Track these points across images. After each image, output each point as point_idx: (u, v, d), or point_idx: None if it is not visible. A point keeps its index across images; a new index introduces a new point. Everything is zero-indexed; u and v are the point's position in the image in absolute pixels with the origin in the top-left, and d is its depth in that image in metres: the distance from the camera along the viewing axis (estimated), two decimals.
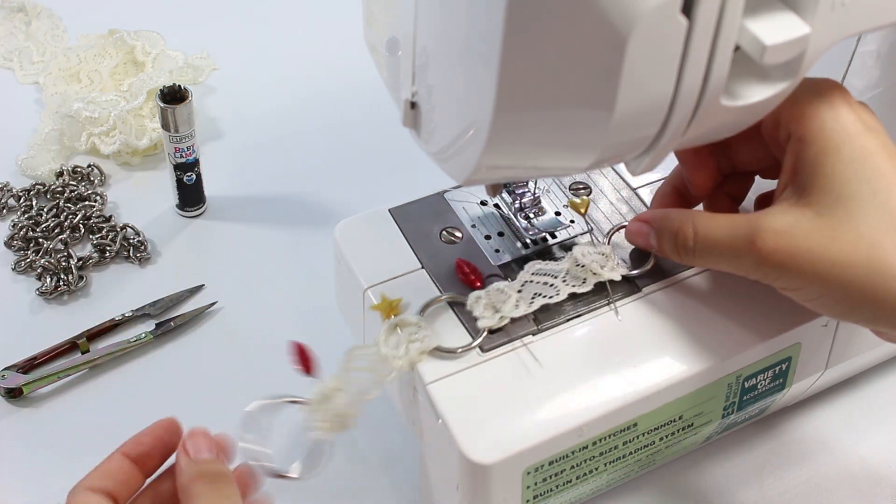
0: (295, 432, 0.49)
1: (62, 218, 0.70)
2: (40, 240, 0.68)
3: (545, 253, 0.54)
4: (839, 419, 0.60)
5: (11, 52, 0.83)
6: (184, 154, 0.67)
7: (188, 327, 0.64)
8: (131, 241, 0.69)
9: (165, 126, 0.66)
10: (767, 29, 0.38)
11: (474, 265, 0.52)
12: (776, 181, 0.48)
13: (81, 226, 0.69)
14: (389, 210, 0.56)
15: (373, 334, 0.50)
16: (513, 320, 0.50)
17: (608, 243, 0.53)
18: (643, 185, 0.57)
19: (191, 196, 0.70)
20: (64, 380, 0.61)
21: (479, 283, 0.51)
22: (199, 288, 0.66)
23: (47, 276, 0.66)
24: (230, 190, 0.73)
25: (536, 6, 0.34)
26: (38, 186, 0.72)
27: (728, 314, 0.51)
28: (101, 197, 0.71)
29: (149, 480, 0.46)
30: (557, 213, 0.55)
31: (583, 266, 0.51)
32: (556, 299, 0.50)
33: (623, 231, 0.53)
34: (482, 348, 0.49)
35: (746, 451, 0.58)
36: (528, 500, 0.48)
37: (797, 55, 0.40)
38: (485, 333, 0.49)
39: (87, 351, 0.62)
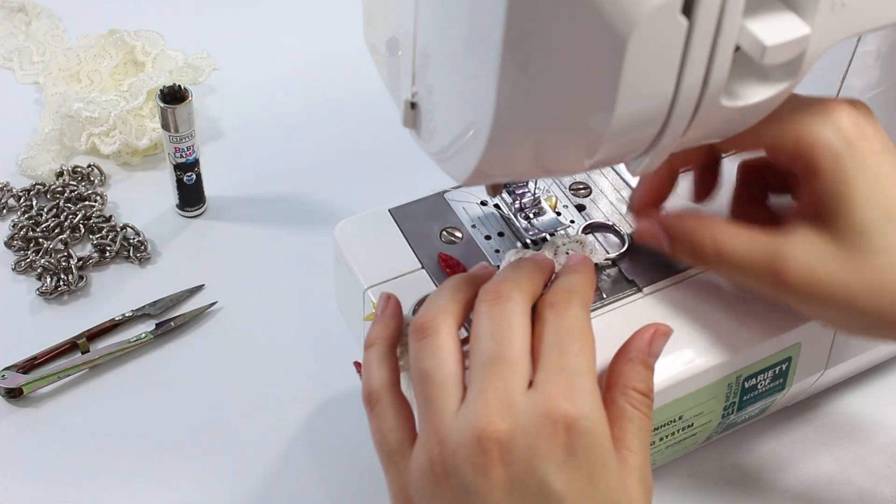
0: None
1: (62, 218, 0.70)
2: (40, 240, 0.68)
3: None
4: (839, 419, 0.60)
5: (11, 52, 0.83)
6: (184, 154, 0.67)
7: (188, 327, 0.64)
8: (131, 241, 0.69)
9: (165, 126, 0.66)
10: (767, 29, 0.38)
11: (457, 259, 0.53)
12: None
13: (81, 226, 0.69)
14: (389, 210, 0.56)
15: None
16: None
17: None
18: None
19: (191, 196, 0.70)
20: (64, 380, 0.61)
21: None
22: (199, 288, 0.67)
23: (47, 276, 0.66)
24: (230, 190, 0.73)
25: (536, 7, 0.34)
26: (38, 186, 0.72)
27: (728, 314, 0.51)
28: (101, 197, 0.71)
29: None
30: (558, 213, 0.55)
31: (560, 250, 0.51)
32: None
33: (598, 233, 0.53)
34: None
35: (747, 450, 0.58)
36: None
37: (797, 55, 0.40)
38: None
39: (87, 351, 0.62)
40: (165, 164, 0.70)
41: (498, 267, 0.51)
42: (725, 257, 0.47)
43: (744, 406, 0.53)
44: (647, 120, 0.39)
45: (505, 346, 0.41)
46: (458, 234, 0.55)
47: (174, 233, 0.70)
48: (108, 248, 0.68)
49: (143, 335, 0.63)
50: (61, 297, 0.66)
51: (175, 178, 0.69)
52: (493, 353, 0.41)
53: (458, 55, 0.38)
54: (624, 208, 0.56)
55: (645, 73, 0.36)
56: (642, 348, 0.46)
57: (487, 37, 0.35)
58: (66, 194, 0.71)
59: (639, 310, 0.51)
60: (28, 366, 0.61)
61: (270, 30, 0.86)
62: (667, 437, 0.51)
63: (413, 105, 0.43)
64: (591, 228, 0.55)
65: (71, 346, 0.63)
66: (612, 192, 0.57)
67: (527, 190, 0.54)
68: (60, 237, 0.68)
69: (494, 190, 0.53)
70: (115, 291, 0.66)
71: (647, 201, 0.53)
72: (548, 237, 0.54)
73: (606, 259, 0.53)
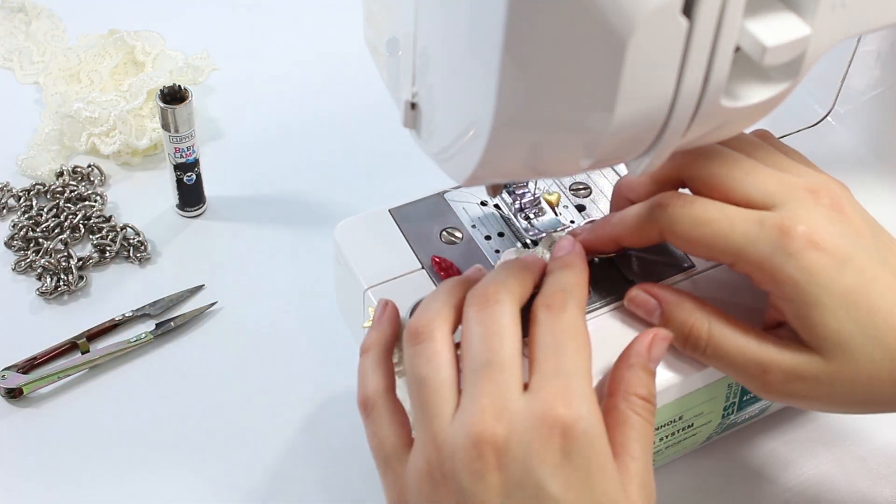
0: None
1: (62, 218, 0.70)
2: (40, 240, 0.68)
3: None
4: (839, 419, 0.60)
5: (11, 52, 0.83)
6: (184, 154, 0.67)
7: (188, 327, 0.64)
8: (131, 241, 0.69)
9: (165, 126, 0.66)
10: (768, 30, 0.38)
11: (450, 261, 0.53)
12: None
13: (81, 226, 0.69)
14: (389, 210, 0.56)
15: None
16: None
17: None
18: None
19: (191, 196, 0.70)
20: (64, 380, 0.61)
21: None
22: (199, 288, 0.67)
23: (47, 276, 0.66)
24: (230, 190, 0.73)
25: (537, 7, 0.34)
26: (38, 186, 0.72)
27: (728, 314, 0.51)
28: (101, 197, 0.71)
29: None
30: (557, 214, 0.55)
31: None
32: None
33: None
34: None
35: (747, 450, 0.58)
36: None
37: (797, 56, 0.40)
38: None
39: (87, 351, 0.62)
40: (165, 164, 0.70)
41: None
42: (717, 353, 0.47)
43: (744, 406, 0.53)
44: (647, 120, 0.39)
45: (496, 350, 0.41)
46: (458, 235, 0.55)
47: (174, 233, 0.70)
48: (108, 248, 0.68)
49: (143, 335, 0.63)
50: (61, 297, 0.66)
51: (175, 178, 0.69)
52: (485, 357, 0.41)
53: (458, 55, 0.38)
54: None
55: (645, 73, 0.36)
56: (642, 353, 0.46)
57: (487, 37, 0.35)
58: (66, 194, 0.71)
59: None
60: (28, 366, 0.61)
61: (270, 30, 0.86)
62: (667, 437, 0.51)
63: (413, 105, 0.43)
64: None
65: (71, 347, 0.63)
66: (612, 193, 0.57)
67: (527, 190, 0.54)
68: (60, 237, 0.68)
69: (494, 190, 0.53)
70: (115, 291, 0.66)
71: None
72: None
73: (602, 256, 0.53)
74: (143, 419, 0.60)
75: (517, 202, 0.54)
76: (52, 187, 0.72)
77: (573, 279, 0.45)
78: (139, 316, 0.65)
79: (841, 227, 0.45)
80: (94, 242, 0.68)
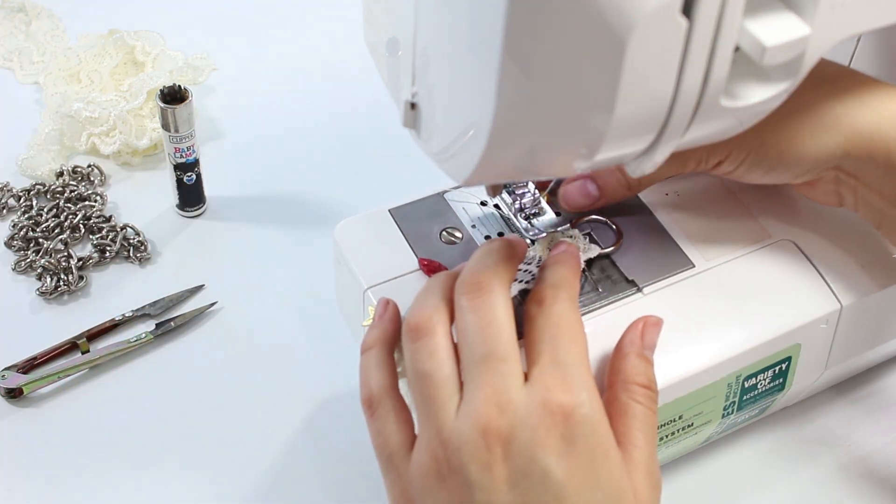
0: None
1: (62, 218, 0.70)
2: (40, 240, 0.68)
3: None
4: (839, 419, 0.60)
5: (11, 52, 0.83)
6: (184, 154, 0.67)
7: (188, 327, 0.64)
8: (131, 241, 0.69)
9: (165, 126, 0.66)
10: (767, 30, 0.38)
11: (438, 262, 0.53)
12: None
13: (81, 226, 0.69)
14: (389, 210, 0.56)
15: None
16: None
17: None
18: None
19: (191, 196, 0.70)
20: (64, 380, 0.61)
21: None
22: (199, 288, 0.67)
23: (47, 276, 0.66)
24: (230, 190, 0.73)
25: (536, 7, 0.34)
26: (38, 186, 0.72)
27: (728, 314, 0.51)
28: (101, 197, 0.71)
29: None
30: (558, 214, 0.55)
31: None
32: (533, 284, 0.50)
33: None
34: None
35: (746, 450, 0.58)
36: None
37: (797, 56, 0.40)
38: None
39: (87, 351, 0.62)
40: (165, 164, 0.70)
41: None
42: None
43: (744, 406, 0.53)
44: (646, 120, 0.39)
45: (495, 342, 0.42)
46: (458, 235, 0.55)
47: (174, 233, 0.70)
48: (108, 248, 0.68)
49: (143, 335, 0.63)
50: (61, 297, 0.66)
51: (175, 178, 0.69)
52: (485, 350, 0.42)
53: (458, 55, 0.38)
54: (623, 209, 0.56)
55: (645, 73, 0.36)
56: (636, 342, 0.46)
57: (487, 37, 0.35)
58: (66, 194, 0.71)
59: (639, 310, 0.51)
60: (28, 366, 0.61)
61: (270, 30, 0.86)
62: (667, 436, 0.51)
63: (413, 105, 0.43)
64: (585, 222, 0.55)
65: (71, 346, 0.63)
66: None
67: (527, 190, 0.54)
68: (60, 237, 0.68)
69: (494, 190, 0.53)
70: (115, 291, 0.66)
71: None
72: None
73: (600, 253, 0.53)
74: (143, 419, 0.60)
75: (517, 202, 0.54)
76: (52, 187, 0.72)
77: (564, 273, 0.45)
78: (139, 316, 0.65)
79: None
80: (94, 242, 0.68)
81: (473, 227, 0.55)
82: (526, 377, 0.42)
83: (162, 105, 0.65)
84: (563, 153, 0.40)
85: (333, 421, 0.59)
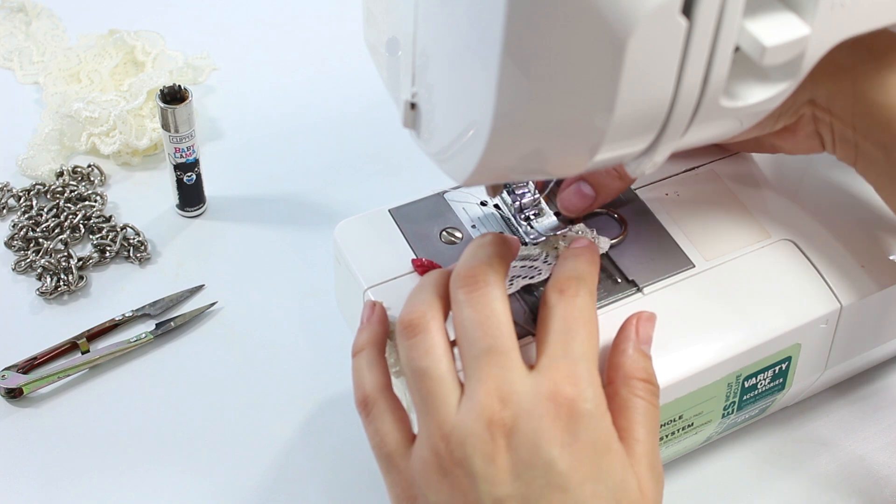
0: None
1: (62, 218, 0.70)
2: (40, 240, 0.68)
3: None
4: (839, 419, 0.60)
5: (11, 52, 0.83)
6: (184, 154, 0.67)
7: (188, 327, 0.64)
8: (131, 241, 0.69)
9: (165, 126, 0.66)
10: (767, 30, 0.38)
11: (430, 260, 0.53)
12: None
13: (81, 226, 0.69)
14: (389, 210, 0.56)
15: None
16: None
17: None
18: (643, 186, 0.57)
19: (191, 196, 0.70)
20: (64, 380, 0.61)
21: None
22: (199, 288, 0.67)
23: (47, 276, 0.66)
24: (230, 190, 0.73)
25: (536, 7, 0.34)
26: (38, 186, 0.72)
27: (728, 314, 0.51)
28: (101, 197, 0.71)
29: None
30: (557, 214, 0.55)
31: (560, 247, 0.51)
32: (537, 279, 0.50)
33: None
34: None
35: (746, 450, 0.58)
36: None
37: (797, 56, 0.40)
38: None
39: (87, 351, 0.62)
40: (165, 164, 0.70)
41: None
42: None
43: (744, 406, 0.53)
44: (646, 120, 0.39)
45: (495, 335, 0.42)
46: (458, 235, 0.55)
47: (174, 233, 0.70)
48: (108, 248, 0.68)
49: (143, 335, 0.63)
50: (61, 297, 0.66)
51: (175, 178, 0.69)
52: (485, 344, 0.42)
53: (458, 56, 0.38)
54: (624, 208, 0.56)
55: (645, 73, 0.36)
56: (632, 337, 0.46)
57: (487, 37, 0.35)
58: (66, 194, 0.71)
59: (639, 310, 0.51)
60: (28, 366, 0.61)
61: (270, 30, 0.86)
62: (667, 436, 0.51)
63: (413, 105, 0.43)
64: (588, 216, 0.55)
65: (71, 346, 0.63)
66: None
67: (527, 190, 0.54)
68: (60, 237, 0.68)
69: (494, 190, 0.53)
70: (115, 291, 0.66)
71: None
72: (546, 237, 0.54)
73: (611, 244, 0.53)
74: (143, 419, 0.60)
75: (517, 202, 0.54)
76: (52, 187, 0.72)
77: (586, 267, 0.46)
78: (139, 316, 0.65)
79: None
80: (94, 242, 0.68)
81: (473, 227, 0.55)
82: (533, 366, 0.42)
83: (162, 105, 0.65)
84: (562, 153, 0.40)
85: (333, 421, 0.59)
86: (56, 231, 0.69)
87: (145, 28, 0.83)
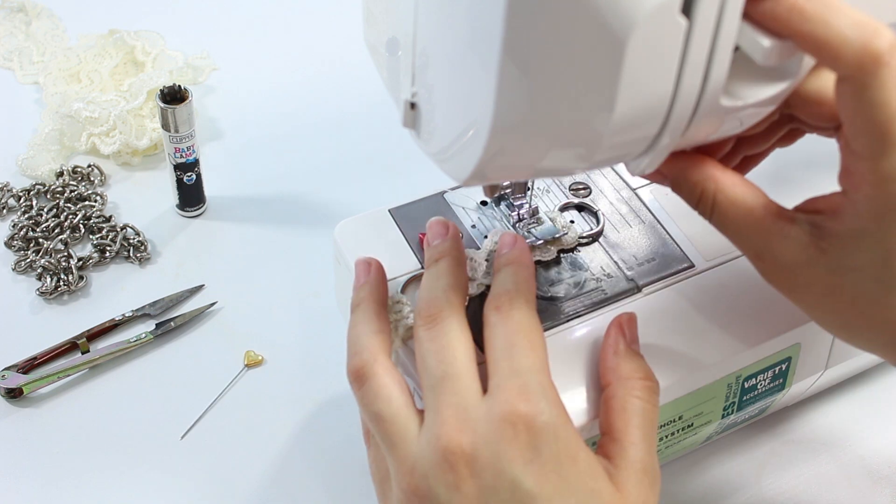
0: None
1: (62, 218, 0.70)
2: (40, 240, 0.68)
3: (550, 261, 0.54)
4: (839, 419, 0.60)
5: (11, 52, 0.83)
6: (184, 154, 0.67)
7: (188, 327, 0.64)
8: (131, 241, 0.69)
9: (165, 126, 0.66)
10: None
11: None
12: None
13: (81, 226, 0.69)
14: (389, 210, 0.56)
15: None
16: None
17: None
18: (643, 186, 0.57)
19: (191, 196, 0.70)
20: (64, 380, 0.61)
21: None
22: (199, 288, 0.67)
23: (47, 276, 0.66)
24: (230, 190, 0.73)
25: (536, 7, 0.34)
26: (38, 186, 0.72)
27: (728, 314, 0.51)
28: (101, 197, 0.71)
29: None
30: (578, 208, 0.56)
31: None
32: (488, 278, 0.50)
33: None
34: None
35: (746, 451, 0.58)
36: None
37: (797, 56, 0.40)
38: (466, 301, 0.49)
39: (87, 351, 0.62)
40: (165, 164, 0.70)
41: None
42: (720, 219, 0.44)
43: (744, 406, 0.53)
44: (646, 120, 0.39)
45: (449, 362, 0.42)
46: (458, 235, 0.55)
47: (174, 233, 0.70)
48: (108, 248, 0.68)
49: (143, 335, 0.63)
50: (61, 297, 0.66)
51: (175, 178, 0.69)
52: (440, 372, 0.42)
53: (457, 55, 0.38)
54: (624, 208, 0.56)
55: (644, 73, 0.36)
56: (619, 338, 0.46)
57: (487, 37, 0.35)
58: (66, 194, 0.71)
59: (638, 309, 0.51)
60: (28, 366, 0.61)
61: (270, 30, 0.86)
62: (667, 437, 0.51)
63: (413, 105, 0.43)
64: (566, 208, 0.56)
65: (71, 346, 0.63)
66: (612, 192, 0.57)
67: (525, 201, 0.54)
68: (60, 237, 0.68)
69: (491, 190, 0.53)
70: (115, 291, 0.66)
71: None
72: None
73: (581, 238, 0.54)
74: (143, 419, 0.60)
75: (515, 213, 0.54)
76: (52, 187, 0.72)
77: (519, 276, 0.45)
78: (139, 316, 0.65)
79: None
80: (94, 242, 0.68)
81: (473, 227, 0.55)
82: (485, 390, 0.42)
83: (162, 105, 0.65)
84: (562, 153, 0.40)
85: (333, 421, 0.59)
86: (56, 231, 0.69)
87: (145, 28, 0.83)
